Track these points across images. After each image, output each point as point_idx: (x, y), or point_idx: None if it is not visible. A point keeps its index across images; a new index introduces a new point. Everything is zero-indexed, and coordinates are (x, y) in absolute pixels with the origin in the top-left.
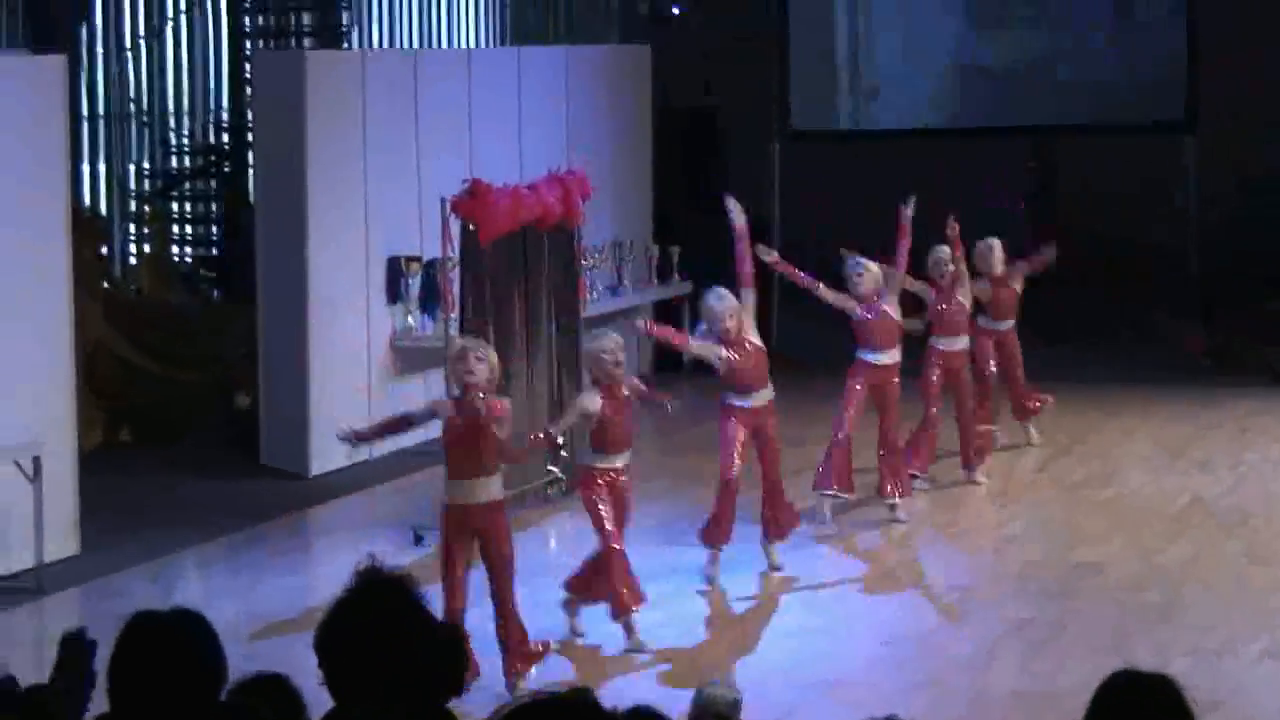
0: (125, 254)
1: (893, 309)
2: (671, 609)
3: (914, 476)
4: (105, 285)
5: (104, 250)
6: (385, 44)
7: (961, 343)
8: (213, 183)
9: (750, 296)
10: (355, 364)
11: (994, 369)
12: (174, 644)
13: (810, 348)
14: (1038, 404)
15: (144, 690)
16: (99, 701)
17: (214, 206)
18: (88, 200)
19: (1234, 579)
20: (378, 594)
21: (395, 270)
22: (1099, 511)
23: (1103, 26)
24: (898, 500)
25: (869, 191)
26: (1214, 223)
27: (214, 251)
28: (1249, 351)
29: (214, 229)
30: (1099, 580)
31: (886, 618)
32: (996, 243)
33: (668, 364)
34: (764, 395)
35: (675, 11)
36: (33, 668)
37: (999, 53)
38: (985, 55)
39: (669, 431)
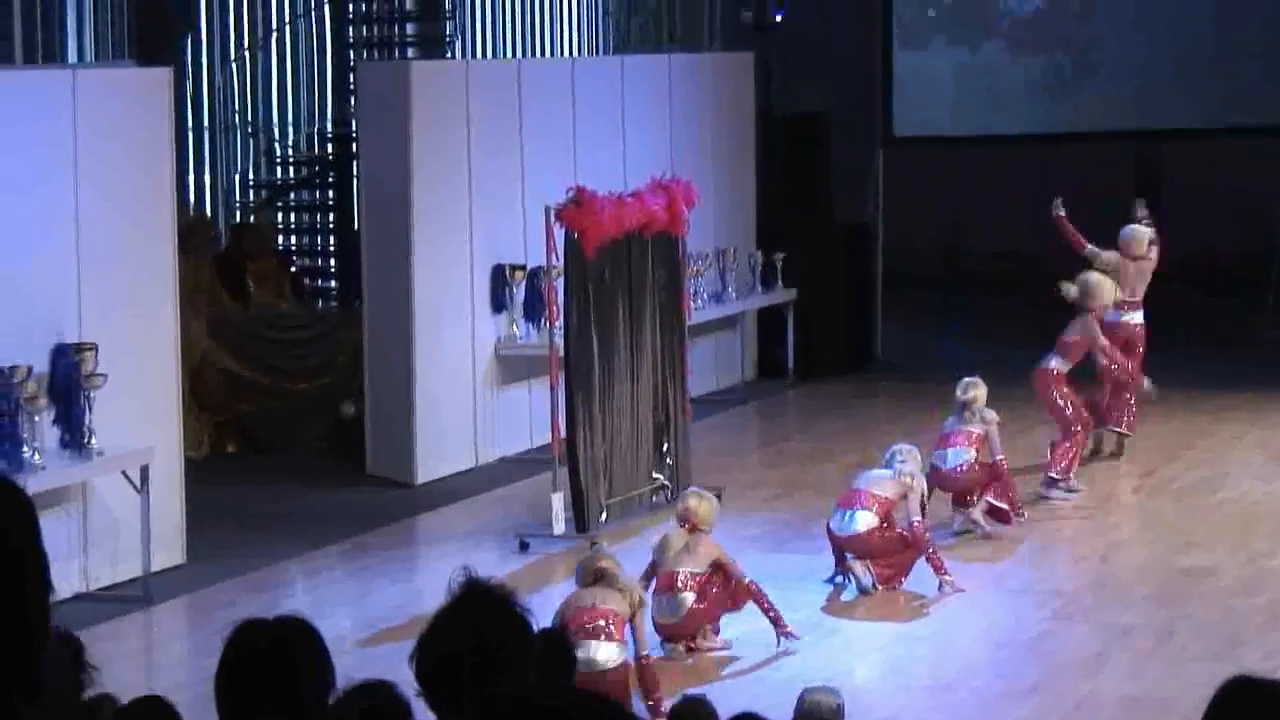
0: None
1: None
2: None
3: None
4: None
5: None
6: (488, 54)
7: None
8: (318, 193)
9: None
10: (460, 372)
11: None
12: (281, 651)
13: (912, 354)
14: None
15: (251, 697)
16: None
17: (319, 217)
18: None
19: None
20: (474, 606)
21: (500, 278)
22: (1207, 516)
23: (1203, 29)
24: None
25: (971, 196)
26: None
27: (320, 262)
28: None
29: (320, 239)
30: (1208, 585)
31: (993, 622)
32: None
33: (771, 372)
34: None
35: (778, 19)
36: (140, 677)
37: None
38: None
39: (773, 441)
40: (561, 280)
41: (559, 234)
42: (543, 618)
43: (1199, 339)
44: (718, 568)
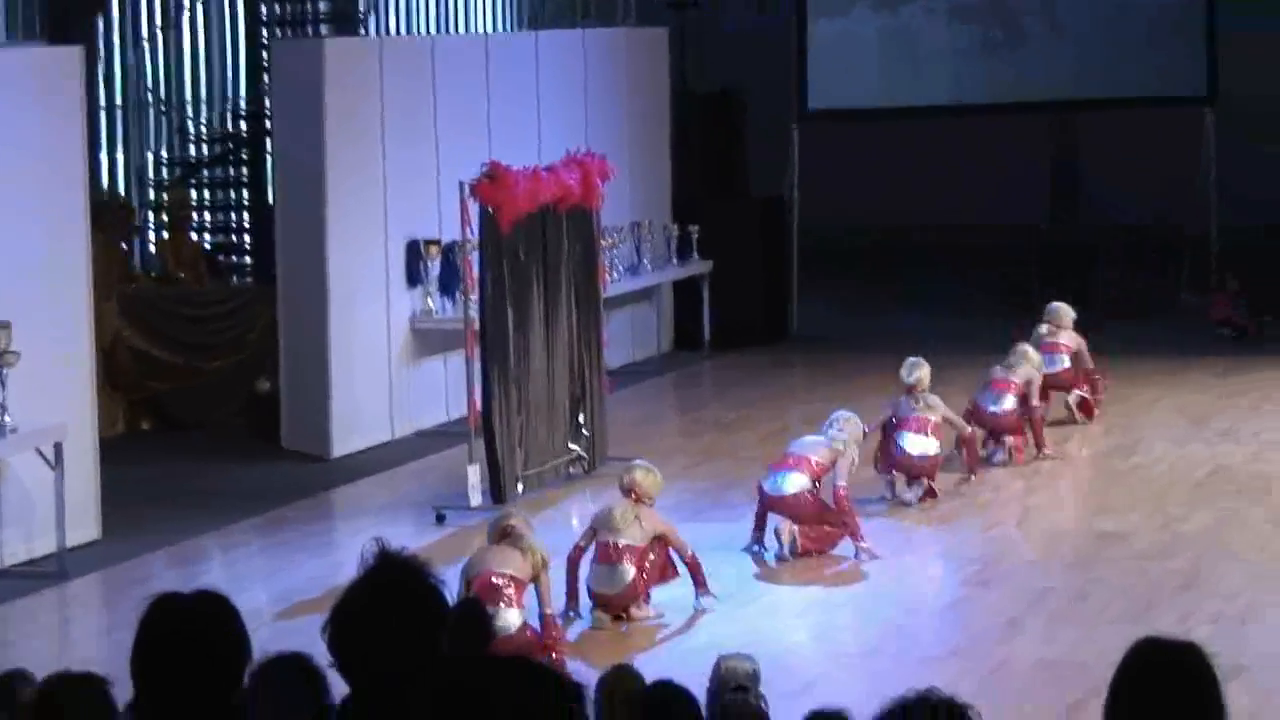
0: (145, 242)
1: None
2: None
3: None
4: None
5: (124, 246)
6: (402, 31)
7: None
8: (232, 170)
9: None
10: (375, 346)
11: None
12: (197, 624)
13: (828, 327)
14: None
15: (168, 671)
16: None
17: (233, 194)
18: (106, 186)
19: (1257, 546)
20: (387, 577)
21: (415, 253)
22: (1122, 481)
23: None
24: None
25: (887, 170)
26: (1235, 195)
27: (234, 239)
28: (1267, 323)
29: (234, 216)
30: (1122, 549)
31: (911, 588)
32: None
33: (687, 343)
34: None
35: None
36: (55, 652)
37: (1018, 27)
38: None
39: (689, 411)
40: (477, 254)
41: (474, 209)
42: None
43: (1115, 306)
44: (658, 540)
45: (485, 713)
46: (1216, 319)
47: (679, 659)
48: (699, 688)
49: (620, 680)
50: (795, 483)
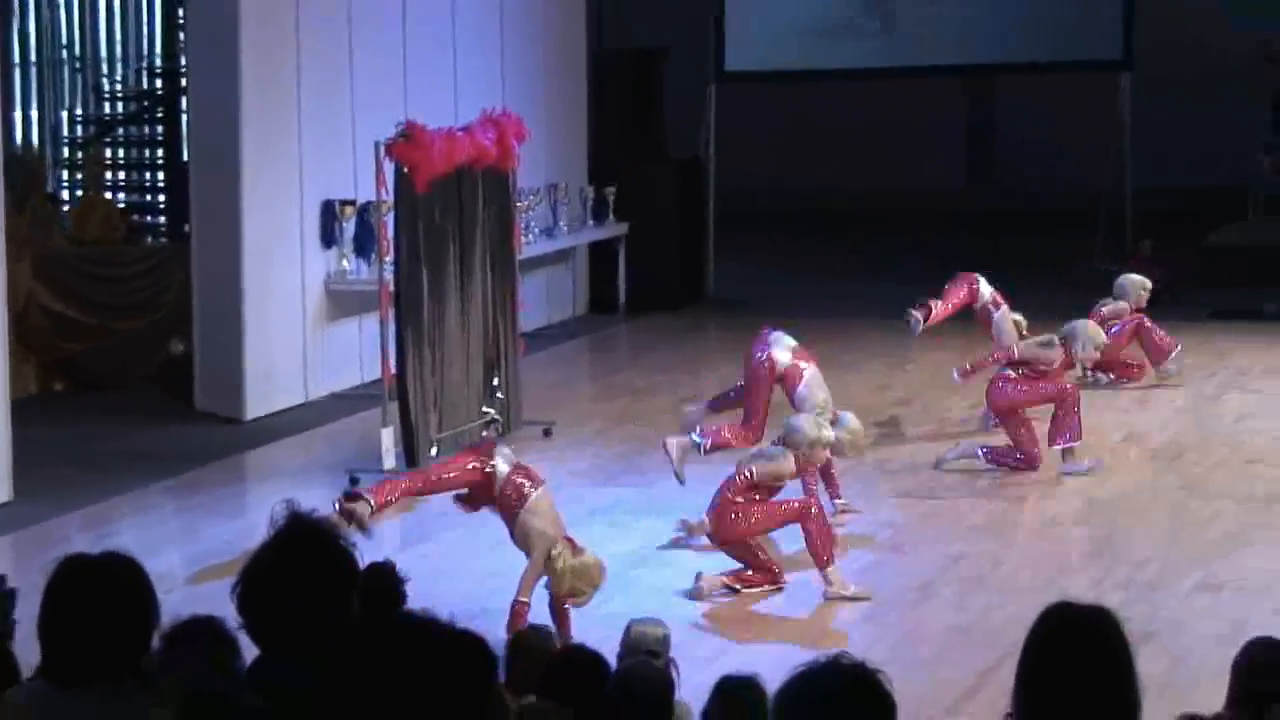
0: (59, 201)
1: None
2: (605, 550)
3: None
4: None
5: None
6: None
7: None
8: (146, 128)
9: None
10: (290, 308)
11: None
12: (105, 586)
13: (744, 290)
14: None
15: (76, 634)
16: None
17: (147, 152)
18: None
19: (1168, 513)
20: (297, 540)
21: (330, 214)
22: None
23: None
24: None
25: (806, 132)
26: (1151, 160)
27: (148, 198)
28: (1183, 290)
29: (149, 175)
30: (1033, 516)
31: None
32: None
33: (602, 307)
34: None
35: None
36: None
37: None
38: None
39: (604, 375)
40: (392, 215)
41: (389, 169)
42: (369, 553)
43: (1031, 274)
44: None
45: (395, 674)
46: None
47: (593, 623)
48: (610, 653)
49: (528, 642)
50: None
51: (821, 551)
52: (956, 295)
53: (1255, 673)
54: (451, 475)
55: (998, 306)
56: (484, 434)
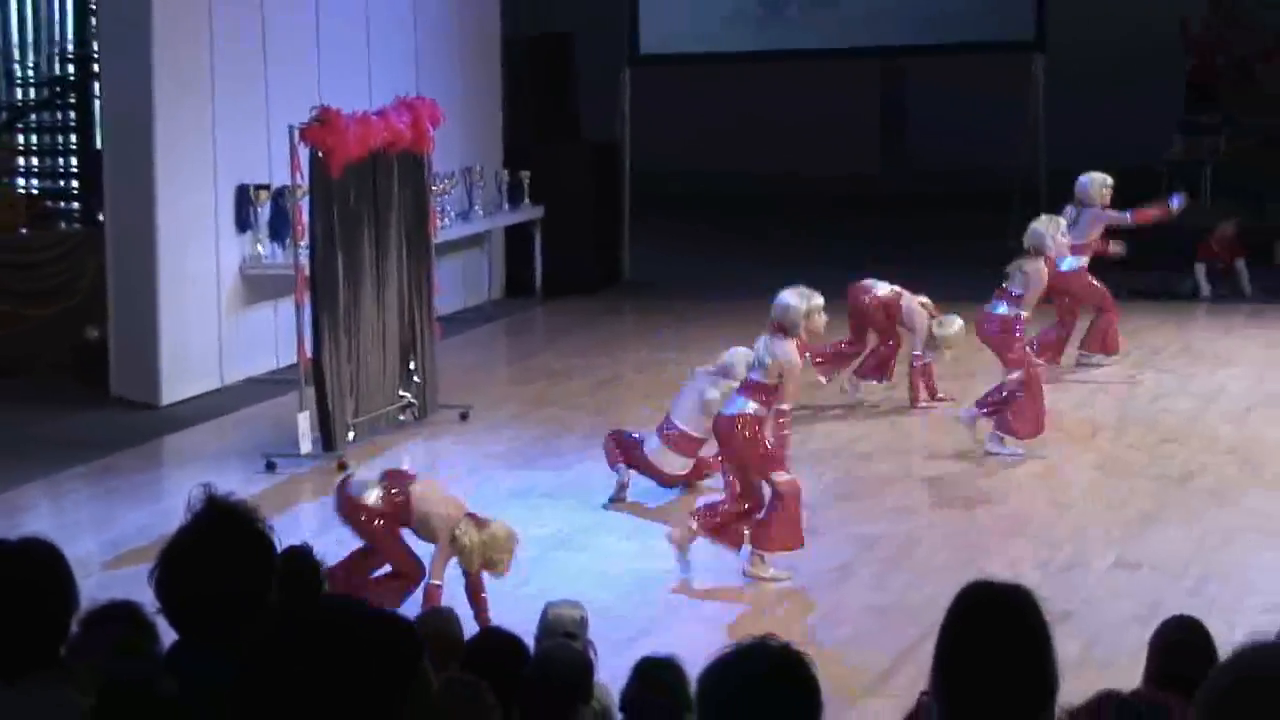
0: None
1: None
2: (523, 533)
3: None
4: None
5: None
6: None
7: None
8: (59, 115)
9: None
10: (205, 293)
11: None
12: (22, 572)
13: (659, 273)
14: None
15: None
16: None
17: (60, 138)
18: None
19: (1084, 492)
20: (214, 524)
21: (244, 198)
22: (953, 428)
23: None
24: None
25: (721, 115)
26: (1064, 142)
27: (61, 184)
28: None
29: (61, 161)
30: (950, 495)
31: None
32: None
33: (518, 290)
34: None
35: None
36: None
37: None
38: None
39: (520, 359)
40: (307, 199)
41: (304, 153)
42: (288, 537)
43: (946, 254)
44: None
45: (316, 661)
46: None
47: (510, 606)
48: (528, 635)
49: (433, 625)
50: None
51: (777, 537)
52: (867, 320)
53: (1171, 651)
54: (390, 549)
55: (899, 296)
56: (400, 418)
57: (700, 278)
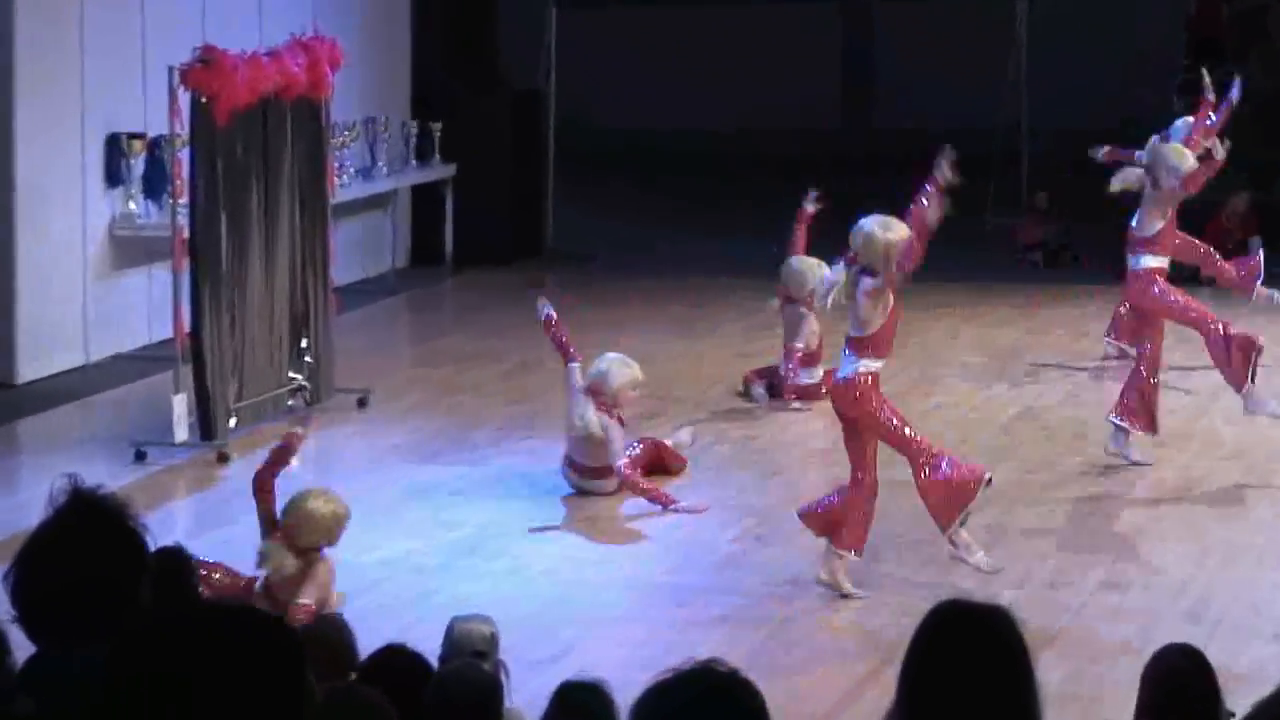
0: None
1: None
2: (427, 537)
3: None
4: None
5: None
6: None
7: None
8: None
9: None
10: (69, 257)
11: None
12: None
13: (592, 243)
14: None
15: None
16: None
17: None
18: None
19: (1069, 500)
20: (80, 520)
21: (115, 150)
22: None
23: None
24: None
25: (658, 63)
26: (1049, 101)
27: None
28: (1088, 245)
29: None
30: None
31: (675, 545)
32: None
33: (426, 259)
34: None
35: None
36: None
37: None
38: None
39: (427, 338)
40: (188, 151)
41: (185, 99)
42: (162, 535)
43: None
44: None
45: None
46: (1027, 242)
47: (412, 620)
48: (432, 654)
49: (326, 631)
50: None
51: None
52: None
53: (1166, 683)
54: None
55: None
56: (290, 403)
57: (635, 247)
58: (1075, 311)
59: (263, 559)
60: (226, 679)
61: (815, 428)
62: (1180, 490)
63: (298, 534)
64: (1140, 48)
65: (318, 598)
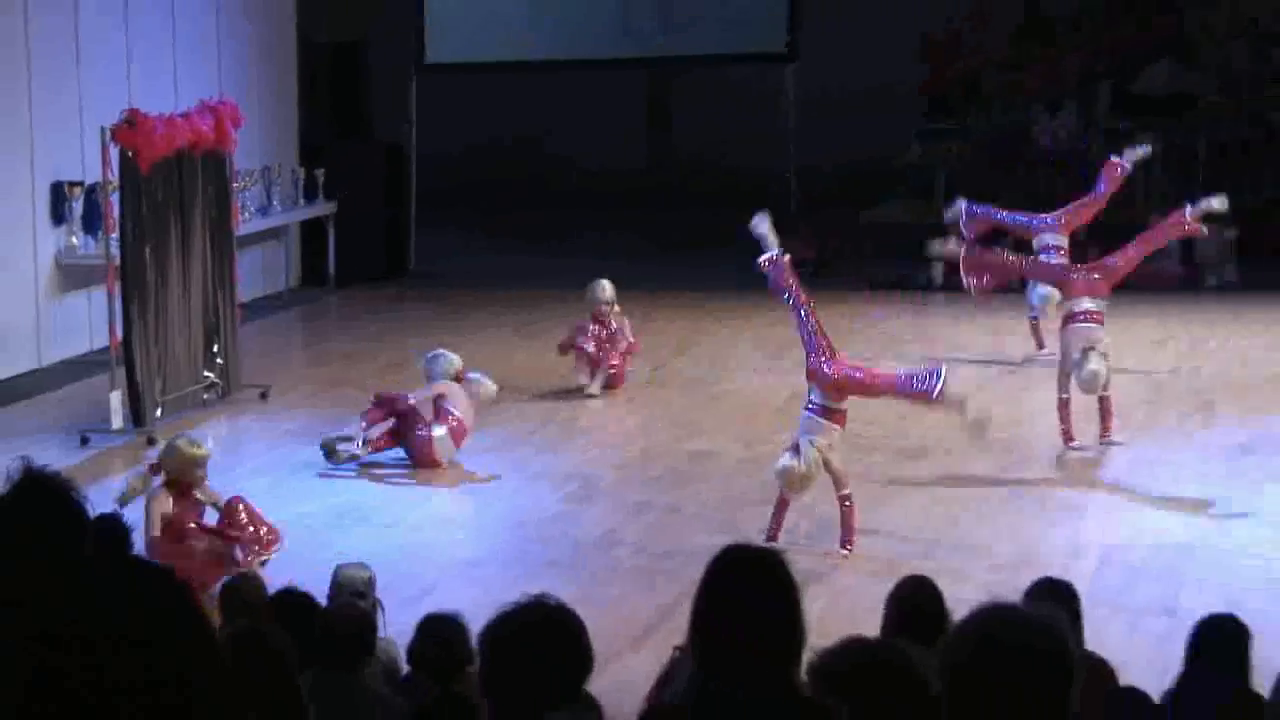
0: None
1: None
2: (316, 501)
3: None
4: None
5: None
6: None
7: None
8: None
9: None
10: (23, 280)
11: None
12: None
13: (443, 263)
14: None
15: None
16: None
17: None
18: None
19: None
20: (32, 494)
21: (59, 194)
22: (711, 406)
23: None
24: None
25: (502, 118)
26: (812, 144)
27: None
28: (847, 261)
29: None
30: (712, 466)
31: (517, 505)
32: None
33: (313, 280)
34: None
35: None
36: None
37: None
38: None
39: (316, 342)
40: (117, 195)
41: (114, 152)
42: (101, 504)
43: (714, 249)
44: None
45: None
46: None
47: (306, 569)
48: (321, 594)
49: (241, 585)
50: None
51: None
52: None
53: (905, 605)
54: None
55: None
56: (205, 397)
57: (481, 269)
58: (834, 314)
59: (127, 485)
60: (120, 629)
61: (615, 410)
62: (915, 456)
63: (170, 467)
64: (891, 102)
65: (161, 526)
